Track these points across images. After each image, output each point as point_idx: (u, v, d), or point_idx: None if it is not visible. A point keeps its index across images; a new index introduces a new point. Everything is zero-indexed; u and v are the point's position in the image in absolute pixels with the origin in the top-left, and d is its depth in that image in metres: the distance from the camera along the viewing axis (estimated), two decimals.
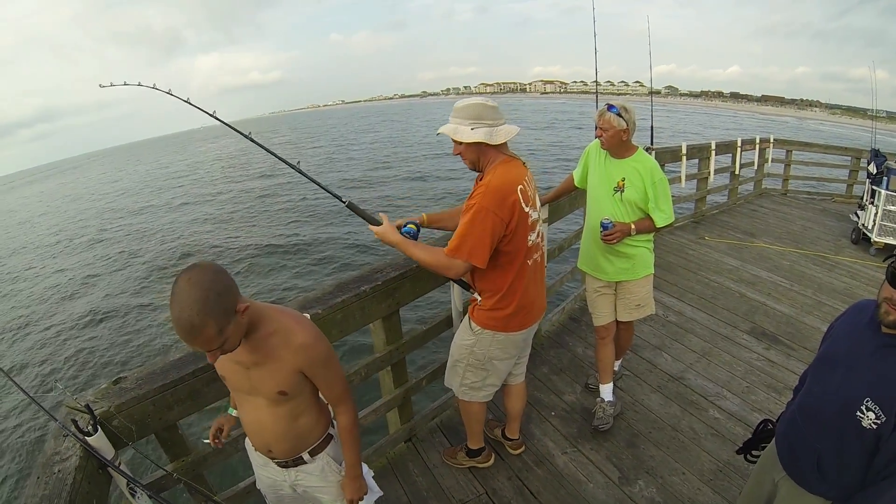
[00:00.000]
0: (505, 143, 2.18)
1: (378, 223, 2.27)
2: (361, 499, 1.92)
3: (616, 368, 3.59)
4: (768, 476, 1.90)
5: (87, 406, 1.66)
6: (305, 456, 1.80)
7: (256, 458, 1.88)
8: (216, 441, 1.83)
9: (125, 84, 2.27)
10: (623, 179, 2.94)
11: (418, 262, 2.25)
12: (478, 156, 2.18)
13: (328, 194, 2.41)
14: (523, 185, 2.18)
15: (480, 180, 2.19)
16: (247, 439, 1.87)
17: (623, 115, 2.82)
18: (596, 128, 2.95)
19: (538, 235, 2.35)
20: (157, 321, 10.33)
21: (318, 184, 2.42)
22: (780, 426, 1.87)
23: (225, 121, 2.50)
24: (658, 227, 2.94)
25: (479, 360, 2.48)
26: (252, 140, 2.38)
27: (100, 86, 2.23)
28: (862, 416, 1.46)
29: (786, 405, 1.92)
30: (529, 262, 2.31)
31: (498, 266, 2.22)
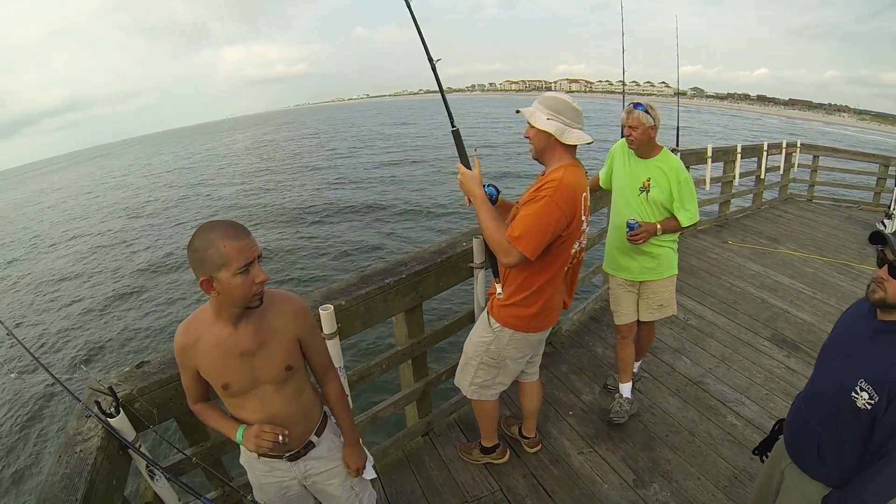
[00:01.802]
0: (574, 148, 2.19)
1: (469, 167, 2.26)
2: (364, 466, 1.98)
3: (635, 370, 3.60)
4: (777, 466, 1.97)
5: (111, 388, 1.72)
6: (314, 438, 1.84)
7: (259, 468, 1.84)
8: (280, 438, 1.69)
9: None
10: (649, 179, 2.96)
11: (482, 227, 2.18)
12: (544, 147, 2.18)
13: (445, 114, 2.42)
14: (587, 193, 2.22)
15: (543, 175, 2.21)
16: (242, 455, 1.87)
17: (650, 111, 2.87)
18: (623, 127, 2.97)
19: (581, 244, 2.36)
20: (182, 305, 10.53)
21: (445, 99, 2.42)
22: (788, 416, 1.96)
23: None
24: (683, 226, 2.96)
25: (494, 358, 2.50)
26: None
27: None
28: (857, 396, 1.54)
29: (795, 398, 1.99)
30: (566, 268, 2.33)
31: (537, 265, 2.21)
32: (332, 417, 1.96)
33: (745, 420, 3.33)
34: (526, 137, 2.23)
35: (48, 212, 29.56)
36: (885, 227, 7.10)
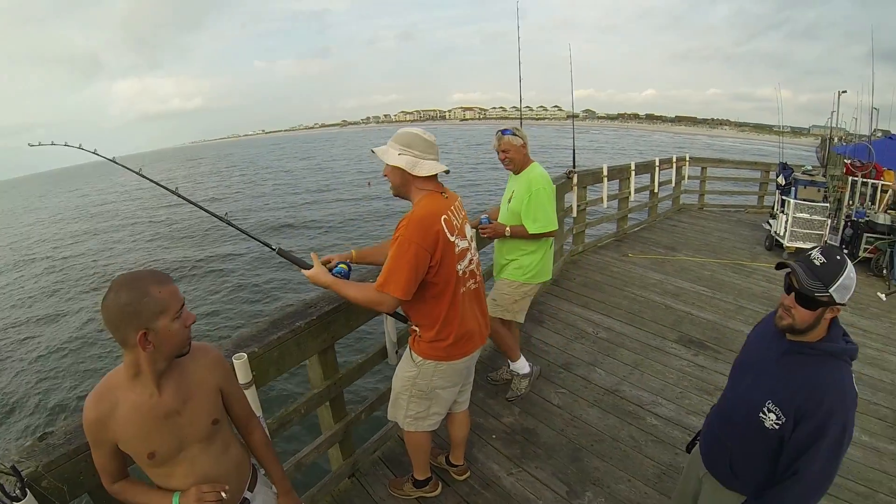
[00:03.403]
0: (434, 177, 2.31)
1: (309, 266, 2.36)
2: None
3: (507, 376, 4.00)
4: (694, 473, 2.09)
5: (13, 467, 1.55)
6: (248, 494, 1.78)
7: None
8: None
9: (52, 144, 2.31)
10: (514, 192, 3.44)
11: (352, 301, 2.33)
12: (401, 182, 2.28)
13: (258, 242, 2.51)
14: (447, 216, 2.28)
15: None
16: None
17: (517, 133, 3.43)
18: (498, 152, 3.46)
19: (470, 263, 2.44)
20: (84, 361, 9.84)
21: (248, 234, 2.53)
22: (703, 428, 2.10)
23: (154, 180, 2.58)
24: (531, 233, 3.39)
25: (423, 390, 2.53)
26: (182, 197, 2.47)
27: (29, 144, 2.25)
28: (764, 417, 1.65)
29: (711, 409, 2.12)
30: (462, 290, 2.39)
31: (429, 298, 2.29)
32: (260, 470, 1.91)
33: (665, 419, 3.55)
34: (385, 176, 2.34)
35: None
36: (770, 226, 7.80)
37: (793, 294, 1.62)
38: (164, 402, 1.48)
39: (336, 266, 2.47)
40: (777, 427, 1.61)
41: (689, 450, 2.27)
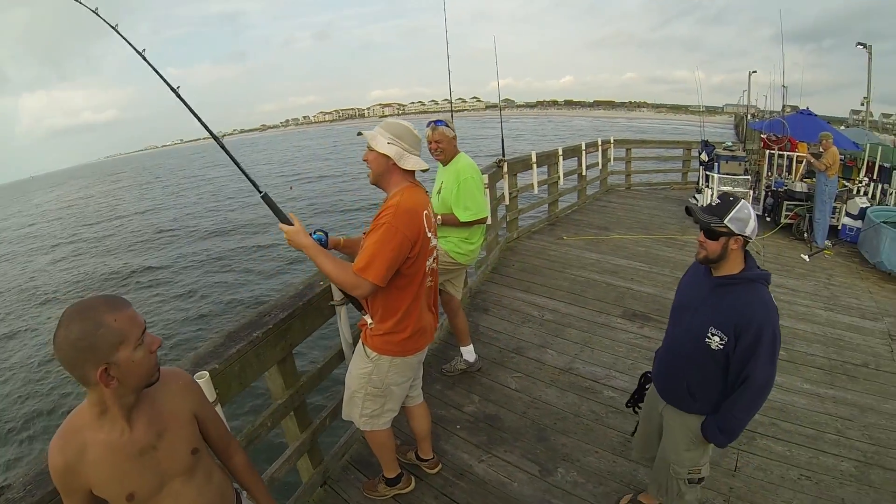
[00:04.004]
0: (412, 172, 2.32)
1: (290, 223, 2.25)
2: None
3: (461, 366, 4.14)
4: (654, 410, 2.43)
5: None
6: None
7: None
8: None
9: None
10: (443, 182, 3.56)
11: (325, 272, 2.23)
12: (383, 171, 2.28)
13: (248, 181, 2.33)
14: (428, 211, 2.33)
15: (386, 201, 2.28)
16: None
17: (449, 125, 3.55)
18: (430, 143, 3.52)
19: (434, 260, 2.49)
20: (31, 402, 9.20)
21: (240, 167, 2.32)
22: (654, 368, 2.46)
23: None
24: (462, 221, 3.55)
25: (378, 387, 2.54)
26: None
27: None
28: (710, 340, 2.02)
29: (654, 355, 2.52)
30: (426, 286, 2.45)
31: (396, 288, 2.29)
32: (243, 493, 1.82)
33: (621, 391, 3.70)
34: (364, 161, 2.32)
35: None
36: (696, 201, 8.20)
37: (702, 232, 2.03)
38: (137, 439, 1.36)
39: (314, 232, 2.40)
40: (722, 346, 1.99)
41: (629, 405, 2.71)
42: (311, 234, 2.31)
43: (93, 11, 2.07)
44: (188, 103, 2.21)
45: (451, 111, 5.57)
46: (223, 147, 2.30)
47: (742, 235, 1.97)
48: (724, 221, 1.96)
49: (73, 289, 16.00)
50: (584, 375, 3.95)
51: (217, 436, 1.67)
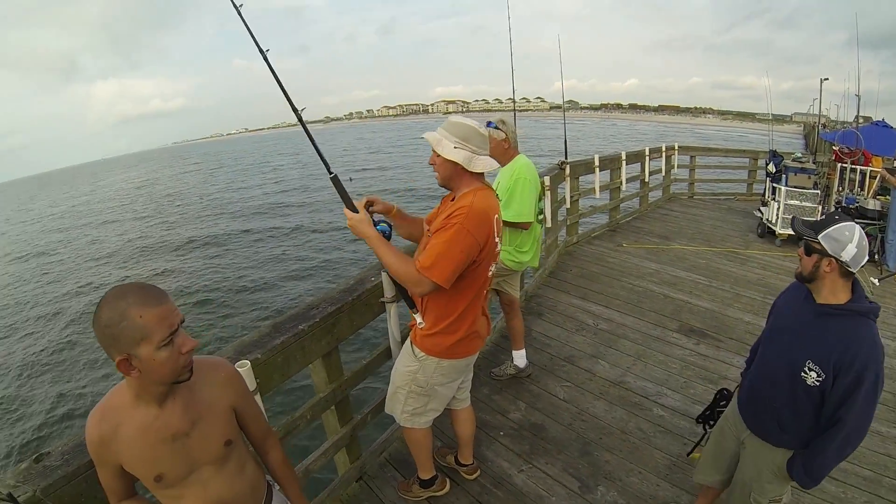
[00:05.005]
0: (482, 173, 2.22)
1: (355, 210, 2.20)
2: None
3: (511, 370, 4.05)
4: (731, 436, 2.27)
5: (10, 494, 1.45)
6: None
7: None
8: None
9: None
10: (498, 182, 3.49)
11: (386, 265, 2.16)
12: (451, 174, 2.18)
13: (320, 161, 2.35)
14: (498, 216, 2.24)
15: (452, 200, 2.21)
16: None
17: (501, 127, 3.44)
18: None
19: (496, 266, 2.39)
20: (82, 378, 9.65)
21: (315, 146, 2.34)
22: (742, 393, 2.25)
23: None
24: (506, 221, 3.29)
25: (422, 386, 2.48)
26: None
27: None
28: (806, 375, 1.83)
29: (741, 376, 2.34)
30: (485, 291, 2.36)
31: (456, 290, 2.20)
32: (275, 485, 1.81)
33: (671, 409, 3.54)
34: (430, 164, 2.24)
35: None
36: (761, 214, 7.83)
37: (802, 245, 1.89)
38: (170, 424, 1.37)
39: (379, 223, 2.29)
40: (818, 383, 1.80)
41: (700, 420, 2.60)
42: (375, 225, 2.24)
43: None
44: (279, 78, 2.25)
45: (514, 110, 5.47)
46: (304, 125, 2.30)
47: (835, 258, 1.78)
48: (818, 237, 1.81)
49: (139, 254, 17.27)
50: (634, 390, 3.80)
51: (255, 430, 1.67)
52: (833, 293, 1.84)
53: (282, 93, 2.25)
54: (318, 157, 2.33)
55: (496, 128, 3.43)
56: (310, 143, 2.30)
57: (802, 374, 1.84)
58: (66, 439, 1.69)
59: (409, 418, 2.60)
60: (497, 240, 2.24)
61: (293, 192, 29.31)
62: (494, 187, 3.50)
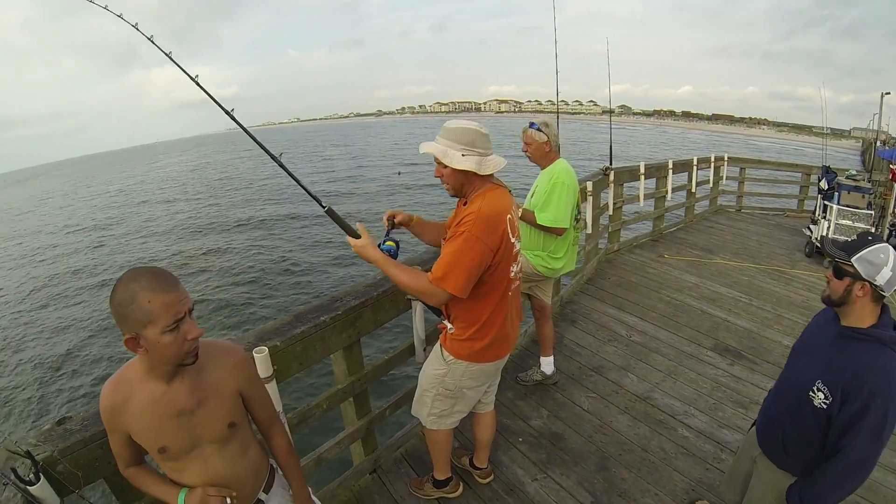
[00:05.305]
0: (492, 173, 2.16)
1: (357, 236, 2.15)
2: None
3: (538, 377, 3.99)
4: (748, 454, 2.21)
5: (28, 452, 1.56)
6: (262, 496, 1.75)
7: None
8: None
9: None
10: (537, 186, 3.50)
11: (397, 283, 2.14)
12: (462, 183, 2.13)
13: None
14: (511, 215, 2.17)
15: (464, 205, 2.16)
16: None
17: (543, 129, 3.39)
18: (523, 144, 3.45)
19: (519, 266, 2.34)
20: (107, 353, 10.00)
21: (301, 184, 2.28)
22: (761, 411, 2.20)
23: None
24: (538, 223, 3.36)
25: (450, 389, 2.45)
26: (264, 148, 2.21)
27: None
28: (813, 395, 1.77)
29: (768, 392, 2.23)
30: (509, 294, 2.29)
31: (478, 296, 2.16)
32: (278, 470, 1.87)
33: (696, 431, 3.41)
34: (437, 177, 2.16)
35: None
36: (811, 232, 7.52)
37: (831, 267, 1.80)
38: (176, 401, 1.44)
39: (384, 242, 2.28)
40: (825, 406, 1.73)
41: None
42: (380, 245, 2.21)
43: (148, 39, 2.02)
44: (242, 123, 2.23)
45: (557, 112, 5.37)
46: (283, 166, 2.15)
47: (870, 282, 1.67)
48: (851, 259, 1.70)
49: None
50: (660, 407, 3.68)
51: (262, 416, 1.72)
52: (861, 318, 1.74)
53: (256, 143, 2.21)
54: (309, 194, 2.27)
55: (538, 129, 3.38)
56: (295, 181, 2.29)
57: (810, 393, 1.78)
58: (88, 407, 1.80)
59: (434, 420, 2.58)
60: (513, 240, 2.18)
61: (341, 181, 29.78)
62: (532, 190, 3.47)
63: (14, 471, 1.50)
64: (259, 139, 2.20)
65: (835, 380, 1.70)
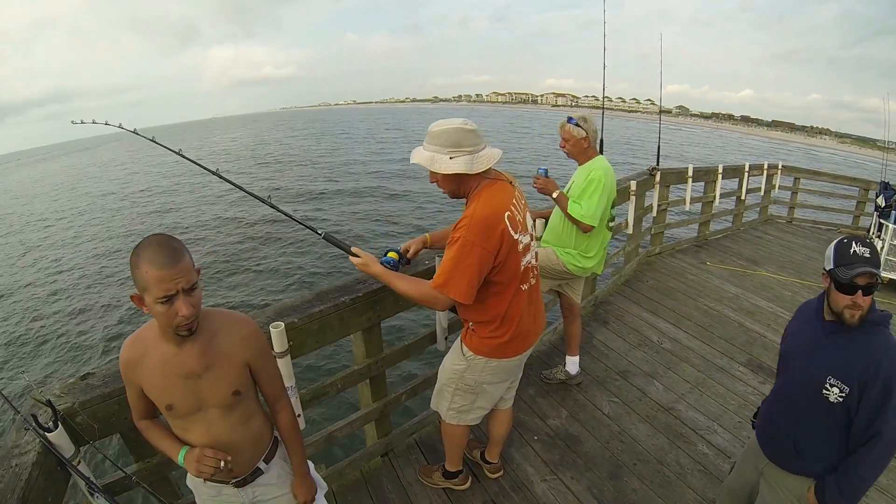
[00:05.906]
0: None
1: (356, 255, 2.24)
2: (313, 498, 1.93)
3: (562, 376, 3.90)
4: (750, 466, 2.19)
5: (49, 401, 1.66)
6: (262, 465, 1.79)
7: (205, 491, 1.80)
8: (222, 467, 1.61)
9: (94, 122, 2.52)
10: (573, 182, 3.41)
11: (401, 294, 2.18)
12: (457, 185, 2.08)
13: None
14: (511, 211, 2.07)
15: (467, 205, 2.10)
16: (188, 477, 1.79)
17: (582, 124, 3.28)
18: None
19: (533, 257, 2.27)
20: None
21: (293, 218, 2.43)
22: (759, 421, 2.18)
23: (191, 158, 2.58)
24: (570, 213, 3.25)
25: (469, 384, 2.41)
26: (218, 175, 2.39)
27: (72, 122, 2.46)
28: (828, 392, 1.76)
29: (762, 402, 2.25)
30: (524, 288, 2.22)
31: (490, 296, 2.13)
32: (281, 443, 1.91)
33: (717, 449, 3.27)
34: (433, 183, 2.12)
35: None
36: None
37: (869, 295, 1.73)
38: (185, 363, 1.51)
39: (384, 256, 2.38)
40: (842, 399, 1.74)
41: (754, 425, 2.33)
42: (382, 258, 2.34)
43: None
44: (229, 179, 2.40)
45: (602, 108, 5.22)
46: (274, 206, 2.38)
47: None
48: (881, 271, 1.82)
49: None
50: (683, 420, 3.54)
51: (269, 389, 1.78)
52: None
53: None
54: (301, 225, 2.46)
55: (576, 125, 3.26)
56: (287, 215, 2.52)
57: (824, 391, 1.78)
58: (111, 364, 1.88)
59: (454, 415, 2.55)
60: (517, 236, 2.09)
61: (395, 163, 30.13)
62: (568, 186, 3.38)
63: (35, 417, 1.60)
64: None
65: (847, 371, 1.72)
